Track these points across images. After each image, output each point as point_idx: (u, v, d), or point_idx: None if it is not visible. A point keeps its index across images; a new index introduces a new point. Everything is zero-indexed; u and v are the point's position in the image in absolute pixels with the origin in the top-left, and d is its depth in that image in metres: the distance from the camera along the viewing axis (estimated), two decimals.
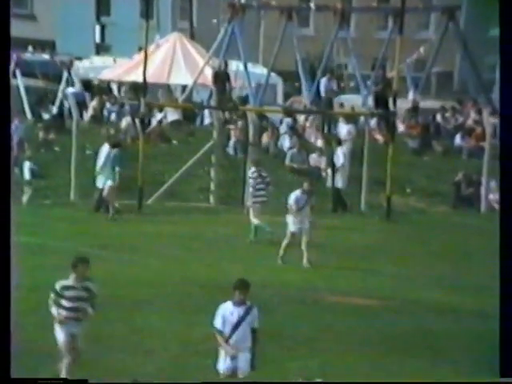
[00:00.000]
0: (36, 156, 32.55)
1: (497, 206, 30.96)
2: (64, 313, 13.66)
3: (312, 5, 43.55)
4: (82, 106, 39.81)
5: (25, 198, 31.29)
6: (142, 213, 30.29)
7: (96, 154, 30.65)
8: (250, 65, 36.90)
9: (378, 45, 39.47)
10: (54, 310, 13.85)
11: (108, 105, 42.15)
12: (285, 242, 24.18)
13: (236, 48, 34.93)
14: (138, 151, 31.45)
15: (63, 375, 13.88)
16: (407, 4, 31.97)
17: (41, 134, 36.87)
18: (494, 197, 31.55)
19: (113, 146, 29.73)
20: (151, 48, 36.60)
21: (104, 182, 29.30)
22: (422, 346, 17.47)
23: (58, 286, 13.80)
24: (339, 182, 32.65)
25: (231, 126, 37.56)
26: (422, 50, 34.95)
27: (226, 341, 12.67)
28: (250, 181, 28.51)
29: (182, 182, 32.15)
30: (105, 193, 29.06)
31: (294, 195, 24.49)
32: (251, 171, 28.69)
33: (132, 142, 33.59)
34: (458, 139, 40.58)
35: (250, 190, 28.51)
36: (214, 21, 40.83)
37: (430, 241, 27.77)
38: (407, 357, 16.63)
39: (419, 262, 24.74)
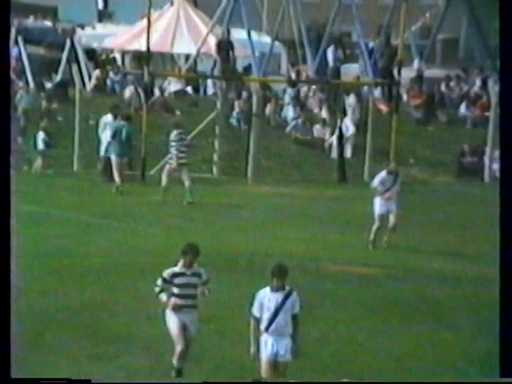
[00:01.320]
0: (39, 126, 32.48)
1: (499, 175, 31.16)
2: (176, 300, 13.44)
3: None
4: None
5: (36, 167, 31.47)
6: (145, 183, 30.58)
7: (98, 124, 30.99)
8: (253, 33, 36.88)
9: (383, 11, 39.50)
10: (163, 297, 13.57)
11: (111, 74, 42.22)
12: (374, 226, 23.59)
13: (239, 16, 35.01)
14: (141, 121, 31.73)
15: (175, 362, 13.71)
16: None
17: (43, 104, 36.85)
18: (496, 166, 31.75)
19: (125, 118, 29.96)
20: (154, 15, 36.57)
21: (116, 155, 29.45)
22: (423, 311, 17.69)
23: (165, 273, 13.50)
24: (348, 152, 32.84)
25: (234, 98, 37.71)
26: (427, 16, 35.07)
27: (267, 328, 12.41)
28: (173, 143, 28.57)
29: (187, 152, 31.87)
30: (116, 166, 29.16)
31: (379, 176, 23.97)
32: (173, 134, 28.83)
33: (135, 112, 33.67)
34: (462, 109, 40.52)
35: (174, 151, 28.54)
36: None
37: (433, 210, 27.97)
38: (408, 322, 16.84)
39: (422, 231, 24.95)
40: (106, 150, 29.99)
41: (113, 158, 29.31)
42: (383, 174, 23.87)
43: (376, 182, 23.75)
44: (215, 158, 32.47)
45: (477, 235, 23.47)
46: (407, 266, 21.37)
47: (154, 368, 14.97)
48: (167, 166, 28.67)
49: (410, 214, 27.44)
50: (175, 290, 13.21)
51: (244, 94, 36.73)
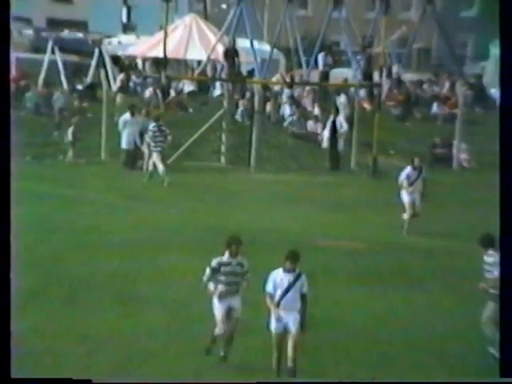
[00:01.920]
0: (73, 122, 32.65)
1: (466, 164, 31.41)
2: (222, 287, 13.07)
3: None
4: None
5: (69, 157, 31.57)
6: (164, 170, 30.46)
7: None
8: (255, 42, 36.95)
9: (367, 24, 39.66)
10: (210, 286, 13.24)
11: (133, 77, 42.30)
12: (406, 216, 22.99)
13: (244, 27, 35.11)
14: (159, 119, 31.64)
15: (220, 342, 13.41)
16: None
17: (76, 103, 37.09)
18: (464, 156, 31.95)
19: (155, 120, 30.15)
20: (170, 27, 36.65)
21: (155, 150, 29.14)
22: (399, 278, 17.96)
23: (214, 262, 13.17)
24: (341, 145, 32.99)
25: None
26: (404, 28, 35.24)
27: (278, 303, 12.40)
28: (150, 133, 28.56)
29: (196, 144, 32.12)
30: (157, 158, 28.75)
31: (405, 172, 23.32)
32: (152, 125, 28.80)
33: (154, 110, 33.76)
34: (434, 107, 40.57)
35: (149, 140, 28.60)
36: (224, 6, 40.98)
37: None
38: (387, 287, 17.16)
39: (399, 211, 24.83)
40: (127, 143, 30.31)
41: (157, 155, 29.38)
42: (408, 169, 23.39)
43: (402, 176, 23.27)
44: (222, 149, 32.44)
45: (447, 214, 23.61)
46: (387, 240, 21.56)
47: (170, 325, 15.31)
48: (154, 154, 28.47)
49: (389, 197, 27.61)
50: (222, 278, 12.99)
51: (247, 94, 36.68)
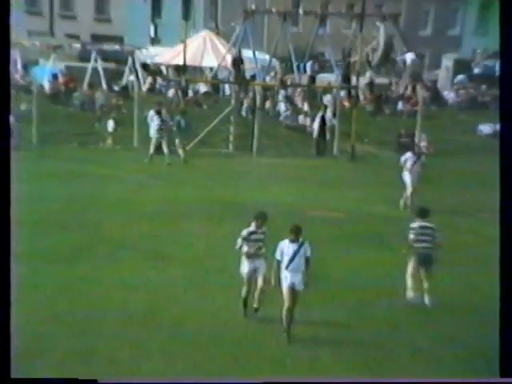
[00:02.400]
0: (110, 116, 32.85)
1: (425, 150, 31.26)
2: (250, 249, 13.03)
3: (300, 11, 43.86)
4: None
5: (107, 144, 31.53)
6: (182, 155, 30.39)
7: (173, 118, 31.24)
8: (257, 52, 36.92)
9: (346, 39, 39.67)
10: (244, 248, 13.15)
11: (159, 80, 42.31)
12: (408, 192, 22.39)
13: (247, 41, 35.11)
14: (185, 113, 31.64)
15: (243, 295, 13.37)
16: (366, 11, 32.70)
17: (113, 101, 37.21)
18: (423, 144, 31.91)
19: (181, 114, 30.25)
20: (189, 40, 36.66)
21: (179, 138, 29.37)
22: (372, 239, 18.16)
23: (244, 232, 13.07)
24: (328, 135, 32.89)
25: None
26: (375, 43, 35.23)
27: (286, 267, 12.35)
28: (153, 124, 28.48)
29: (210, 134, 32.02)
30: (180, 145, 29.11)
31: (404, 156, 22.76)
32: (156, 117, 28.61)
33: (176, 106, 33.76)
34: (399, 105, 40.74)
35: (152, 130, 28.50)
36: (232, 24, 40.93)
37: (380, 174, 27.89)
38: (362, 247, 17.30)
39: (372, 188, 25.00)
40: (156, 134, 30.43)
41: (176, 140, 29.39)
42: (409, 153, 22.84)
43: (402, 160, 22.72)
44: (230, 138, 32.27)
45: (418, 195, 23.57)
46: (361, 211, 21.56)
47: (189, 276, 15.42)
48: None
49: (364, 177, 27.65)
50: (250, 243, 12.98)
51: (250, 94, 36.66)
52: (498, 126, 35.62)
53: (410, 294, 14.19)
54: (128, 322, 13.02)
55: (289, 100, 39.24)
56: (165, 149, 28.32)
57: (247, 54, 36.86)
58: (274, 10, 43.42)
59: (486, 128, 36.03)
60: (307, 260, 12.40)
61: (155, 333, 12.70)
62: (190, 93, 38.92)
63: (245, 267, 13.11)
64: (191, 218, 20.09)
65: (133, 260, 16.36)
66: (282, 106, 38.58)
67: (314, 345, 12.44)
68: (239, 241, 13.09)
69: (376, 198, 23.09)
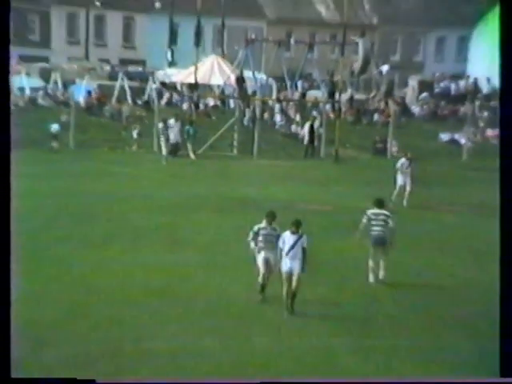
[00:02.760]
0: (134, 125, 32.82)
1: (395, 154, 31.15)
2: (261, 244, 12.72)
3: (292, 40, 44.14)
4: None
5: (132, 148, 31.40)
6: (196, 157, 30.38)
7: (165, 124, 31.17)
8: (256, 73, 37.01)
9: (331, 62, 39.86)
10: (252, 244, 12.86)
11: (175, 96, 42.24)
12: (395, 192, 21.88)
13: (248, 63, 35.11)
14: (192, 123, 31.69)
15: (260, 283, 12.91)
16: (346, 41, 32.79)
17: (137, 113, 36.99)
18: (394, 149, 31.90)
19: (190, 123, 30.31)
20: (199, 63, 36.61)
21: (189, 143, 30.01)
22: (354, 228, 17.54)
23: (255, 228, 12.80)
24: (316, 141, 32.80)
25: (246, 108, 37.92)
26: (354, 65, 35.24)
27: (286, 254, 12.26)
28: (164, 131, 29.15)
29: (217, 140, 31.95)
30: (190, 148, 29.62)
31: (400, 161, 22.28)
32: (164, 124, 29.49)
33: (189, 117, 33.76)
34: (375, 117, 40.45)
35: (172, 135, 29.49)
36: (236, 47, 40.96)
37: (359, 173, 27.90)
38: (345, 234, 16.57)
39: (353, 185, 24.91)
40: (172, 139, 30.41)
41: (188, 145, 29.60)
42: (403, 159, 22.34)
43: (398, 164, 22.23)
44: (235, 143, 32.15)
45: (382, 187, 23.58)
46: (344, 205, 21.37)
47: (200, 258, 15.34)
48: (162, 143, 29.00)
49: (346, 175, 27.66)
50: (261, 238, 12.74)
51: (251, 107, 36.68)
52: (455, 135, 35.62)
53: (370, 277, 14.16)
54: (149, 295, 13.01)
55: (283, 112, 39.15)
56: (164, 150, 28.98)
57: (248, 74, 36.79)
58: (270, 38, 43.70)
59: (445, 136, 36.16)
60: (304, 250, 12.31)
61: (172, 304, 12.69)
62: (201, 106, 38.79)
63: (259, 259, 12.87)
64: (201, 210, 20.05)
65: (153, 244, 16.33)
66: (277, 117, 38.49)
67: (305, 314, 12.42)
68: (251, 234, 12.91)
69: (356, 193, 22.95)
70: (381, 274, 14.17)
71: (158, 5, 54.91)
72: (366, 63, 33.93)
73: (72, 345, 10.81)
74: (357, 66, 33.63)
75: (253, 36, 38.32)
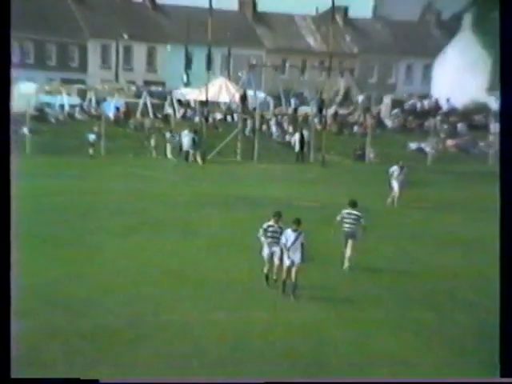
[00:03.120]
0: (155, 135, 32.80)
1: (372, 160, 31.24)
2: (268, 240, 12.40)
3: (286, 65, 44.19)
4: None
5: (153, 155, 31.22)
6: (204, 163, 30.24)
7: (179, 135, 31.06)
8: (257, 92, 37.32)
9: (318, 84, 39.83)
10: (262, 238, 12.51)
11: (189, 111, 42.24)
12: (391, 195, 21.45)
13: (250, 84, 35.25)
14: (203, 133, 31.66)
15: (265, 272, 12.55)
16: (332, 66, 32.86)
17: (157, 125, 37.00)
18: (372, 155, 31.86)
19: (194, 132, 30.32)
20: (210, 84, 36.63)
21: (191, 150, 29.86)
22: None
23: (264, 225, 12.49)
24: (306, 148, 32.68)
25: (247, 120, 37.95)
26: (337, 89, 35.38)
27: (288, 249, 12.05)
28: (185, 139, 29.46)
29: (224, 147, 31.84)
30: (199, 155, 29.65)
31: (392, 168, 21.68)
32: (188, 135, 29.49)
33: (200, 129, 33.83)
34: (355, 128, 40.25)
35: (186, 143, 29.54)
36: (240, 72, 41.02)
37: (342, 176, 27.76)
38: (330, 226, 16.57)
39: (338, 184, 24.77)
40: (186, 147, 30.32)
41: (197, 152, 29.53)
42: (395, 166, 21.75)
43: (391, 170, 21.69)
44: (238, 150, 32.16)
45: (365, 187, 23.57)
46: (330, 201, 20.79)
47: (210, 245, 15.21)
48: (168, 149, 29.60)
49: (331, 178, 27.57)
50: (268, 234, 12.45)
51: (252, 120, 36.71)
52: (421, 144, 35.53)
53: (345, 263, 13.93)
54: (167, 276, 12.94)
55: (279, 124, 39.09)
56: (169, 155, 29.62)
57: (250, 93, 36.94)
58: (268, 64, 43.75)
59: (413, 145, 36.18)
60: (302, 244, 12.14)
61: (185, 283, 12.63)
62: (210, 119, 38.75)
63: (265, 251, 12.61)
64: (210, 206, 19.95)
65: (170, 234, 16.24)
66: (273, 129, 38.36)
67: (296, 295, 12.33)
68: (260, 231, 12.54)
69: (340, 192, 22.70)
70: (345, 263, 13.89)
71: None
72: (345, 96, 34.16)
73: (103, 317, 10.78)
74: (339, 97, 33.90)
75: (254, 62, 38.58)
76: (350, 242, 13.88)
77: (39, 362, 9.01)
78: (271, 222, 12.54)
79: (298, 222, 12.13)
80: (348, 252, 13.92)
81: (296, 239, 12.06)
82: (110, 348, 9.65)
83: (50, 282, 12.24)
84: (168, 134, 30.20)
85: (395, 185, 21.45)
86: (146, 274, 13.02)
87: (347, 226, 13.91)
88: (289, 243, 12.08)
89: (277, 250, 12.40)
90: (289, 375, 9.19)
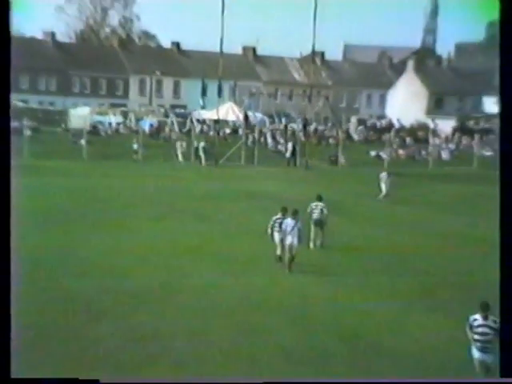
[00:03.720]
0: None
1: (343, 164, 30.58)
2: (277, 229, 11.77)
3: (278, 93, 43.94)
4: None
5: (179, 159, 30.34)
6: (217, 166, 29.55)
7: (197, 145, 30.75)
8: (256, 113, 37.18)
9: (302, 107, 39.38)
10: (269, 231, 11.92)
11: (204, 126, 42.03)
12: (381, 195, 20.29)
13: (251, 107, 35.10)
14: (215, 144, 31.25)
15: (278, 255, 11.91)
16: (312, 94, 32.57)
17: (180, 137, 36.47)
18: (343, 160, 31.40)
19: (205, 142, 30.03)
20: (220, 107, 36.39)
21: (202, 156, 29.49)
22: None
23: (273, 218, 11.83)
24: (297, 156, 31.96)
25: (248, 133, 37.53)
26: (317, 108, 35.12)
27: (289, 233, 11.54)
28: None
29: (231, 155, 31.11)
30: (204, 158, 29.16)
31: (381, 174, 20.61)
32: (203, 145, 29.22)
33: (213, 141, 33.49)
34: (330, 140, 39.66)
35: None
36: (243, 98, 40.87)
37: (321, 176, 27.21)
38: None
39: (317, 182, 24.05)
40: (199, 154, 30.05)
41: (207, 157, 29.12)
42: (384, 173, 20.89)
43: (380, 175, 20.75)
44: (242, 157, 31.68)
45: (337, 187, 23.10)
46: (312, 195, 20.20)
47: (221, 231, 14.97)
48: (179, 153, 29.07)
49: (313, 178, 27.07)
50: (277, 225, 11.89)
51: (253, 134, 36.33)
52: (379, 152, 35.20)
53: (310, 244, 13.45)
54: (188, 251, 12.79)
55: (273, 137, 38.81)
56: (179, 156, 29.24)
57: (251, 114, 36.75)
58: (264, 92, 43.57)
59: (373, 153, 35.92)
60: (299, 229, 11.80)
61: (203, 256, 12.51)
62: (221, 133, 38.54)
63: (276, 239, 11.99)
64: (221, 198, 19.60)
65: (190, 219, 16.05)
66: (269, 140, 37.89)
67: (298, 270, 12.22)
68: (271, 222, 12.02)
69: (319, 188, 22.00)
70: (318, 242, 13.55)
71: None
72: (324, 109, 33.78)
73: (142, 279, 10.77)
74: (319, 109, 33.68)
75: (254, 91, 38.27)
76: (317, 228, 13.49)
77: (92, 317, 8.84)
78: (279, 215, 12.05)
79: (295, 212, 11.83)
80: (312, 235, 13.48)
81: (294, 226, 11.67)
82: (146, 301, 9.72)
83: (100, 253, 12.28)
84: (178, 144, 29.81)
85: (383, 186, 20.67)
86: (173, 249, 12.90)
87: (315, 215, 13.60)
88: (288, 229, 11.68)
89: (285, 236, 11.88)
90: (279, 323, 9.16)
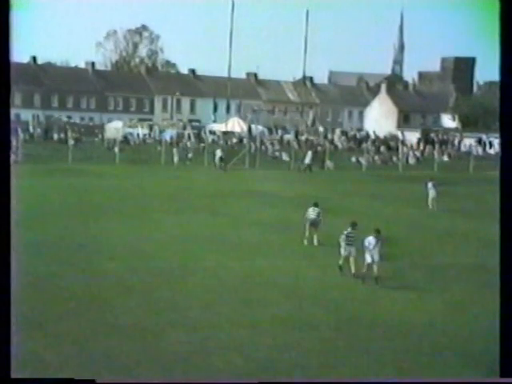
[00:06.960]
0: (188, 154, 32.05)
1: (330, 168, 30.13)
2: (344, 243, 10.23)
3: (276, 109, 43.86)
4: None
5: (191, 162, 30.17)
6: (227, 168, 29.17)
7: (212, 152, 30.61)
8: (258, 126, 37.01)
9: (296, 121, 39.38)
10: (342, 243, 10.20)
11: (215, 138, 41.88)
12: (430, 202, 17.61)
13: (254, 121, 34.90)
14: (224, 152, 31.03)
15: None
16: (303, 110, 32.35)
17: (196, 146, 36.39)
18: (330, 164, 31.08)
19: (221, 150, 29.83)
20: (228, 121, 36.34)
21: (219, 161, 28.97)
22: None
23: (345, 232, 10.17)
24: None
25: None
26: (308, 122, 34.91)
27: (370, 250, 9.76)
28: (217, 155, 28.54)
29: (237, 160, 30.78)
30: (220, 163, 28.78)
31: (429, 184, 17.70)
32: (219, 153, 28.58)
33: (222, 149, 33.39)
34: (319, 148, 38.32)
35: (217, 157, 28.44)
36: (247, 114, 40.76)
37: (311, 177, 26.98)
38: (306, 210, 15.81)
39: (308, 183, 24.10)
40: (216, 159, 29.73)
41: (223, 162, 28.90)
42: (430, 183, 17.77)
43: (428, 185, 17.82)
44: (246, 162, 31.41)
45: (325, 188, 22.74)
46: (305, 194, 20.06)
47: (223, 223, 14.74)
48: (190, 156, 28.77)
49: (304, 178, 26.79)
50: (344, 237, 10.23)
51: (255, 143, 36.02)
52: (359, 158, 34.87)
53: (305, 242, 12.82)
54: (201, 239, 12.59)
55: (271, 145, 38.65)
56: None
57: (253, 126, 36.61)
58: (264, 109, 43.53)
59: (353, 159, 35.38)
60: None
61: (213, 242, 12.35)
62: (229, 142, 38.46)
63: (342, 250, 10.18)
64: (229, 196, 19.35)
65: (203, 214, 15.79)
66: (269, 147, 37.76)
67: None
68: (342, 236, 10.27)
69: (311, 188, 22.11)
70: (315, 241, 12.84)
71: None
72: (313, 122, 33.63)
73: (162, 261, 10.63)
74: (309, 122, 33.37)
75: (255, 108, 38.08)
76: (312, 228, 12.69)
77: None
78: (349, 230, 10.22)
79: (378, 231, 9.91)
80: (307, 234, 12.76)
81: (376, 243, 9.89)
82: (167, 280, 9.59)
83: (128, 241, 12.17)
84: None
85: (430, 193, 17.61)
86: (189, 238, 12.74)
87: (311, 216, 12.80)
88: (371, 246, 9.86)
89: (352, 250, 10.07)
90: (276, 297, 9.03)
